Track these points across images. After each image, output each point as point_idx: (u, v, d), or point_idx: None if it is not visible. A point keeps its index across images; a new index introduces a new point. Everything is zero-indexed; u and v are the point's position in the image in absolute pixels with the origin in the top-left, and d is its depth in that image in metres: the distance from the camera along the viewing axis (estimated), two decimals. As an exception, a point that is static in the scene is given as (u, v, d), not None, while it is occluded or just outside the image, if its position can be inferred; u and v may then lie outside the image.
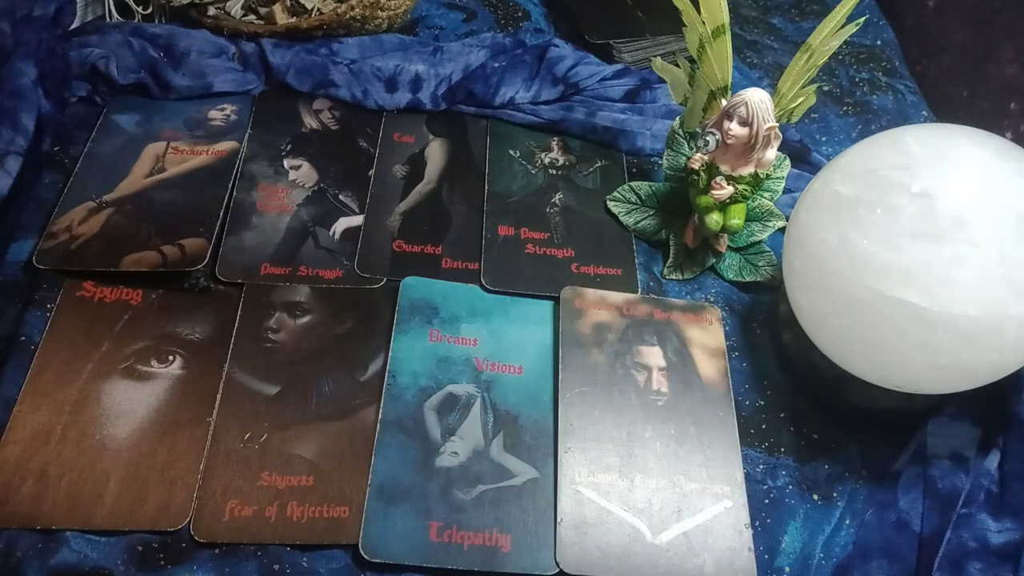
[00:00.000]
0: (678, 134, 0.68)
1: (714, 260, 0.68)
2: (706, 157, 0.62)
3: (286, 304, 0.61)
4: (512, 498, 0.53)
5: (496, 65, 0.76)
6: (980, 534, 0.53)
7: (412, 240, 0.66)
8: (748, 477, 0.56)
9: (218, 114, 0.72)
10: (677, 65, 0.64)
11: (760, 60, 0.89)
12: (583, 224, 0.69)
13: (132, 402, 0.55)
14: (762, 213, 0.67)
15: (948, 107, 0.88)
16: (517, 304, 0.64)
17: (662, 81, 0.70)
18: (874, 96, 0.86)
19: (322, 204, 0.68)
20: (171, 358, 0.57)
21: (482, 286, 0.64)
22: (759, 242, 0.68)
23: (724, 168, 0.61)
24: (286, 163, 0.70)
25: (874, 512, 0.56)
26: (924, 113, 0.85)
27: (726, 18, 0.58)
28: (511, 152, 0.74)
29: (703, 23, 0.59)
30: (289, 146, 0.71)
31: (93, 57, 0.71)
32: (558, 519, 0.53)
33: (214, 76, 0.73)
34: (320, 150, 0.71)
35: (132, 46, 0.73)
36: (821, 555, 0.54)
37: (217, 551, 0.50)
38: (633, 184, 0.70)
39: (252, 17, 0.78)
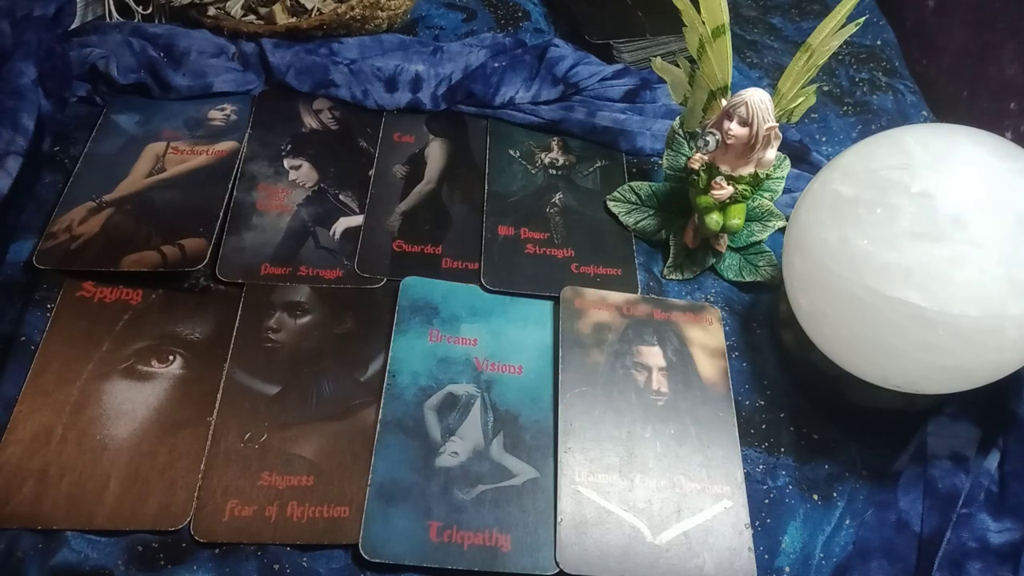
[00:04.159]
0: (678, 134, 0.68)
1: (714, 260, 0.68)
2: (706, 157, 0.62)
3: (286, 304, 0.61)
4: (512, 498, 0.53)
5: (496, 65, 0.76)
6: (980, 534, 0.53)
7: (412, 240, 0.66)
8: (748, 477, 0.56)
9: (218, 114, 0.72)
10: (677, 65, 0.64)
11: (760, 60, 0.89)
12: (583, 224, 0.69)
13: (132, 402, 0.55)
14: (762, 213, 0.67)
15: (948, 107, 0.88)
16: (517, 304, 0.64)
17: (662, 81, 0.70)
18: (874, 96, 0.86)
19: (322, 204, 0.68)
20: (171, 358, 0.57)
21: (482, 286, 0.64)
22: (759, 242, 0.68)
23: (724, 168, 0.61)
24: (286, 163, 0.70)
25: (874, 512, 0.56)
26: (924, 113, 0.85)
27: (726, 18, 0.58)
28: (511, 152, 0.74)
29: (703, 23, 0.59)
30: (289, 146, 0.71)
31: (93, 57, 0.71)
32: (558, 519, 0.53)
33: (214, 76, 0.73)
34: (320, 150, 0.71)
35: (132, 46, 0.73)
36: (821, 555, 0.54)
37: (217, 551, 0.50)
38: (633, 184, 0.70)
39: (252, 17, 0.78)
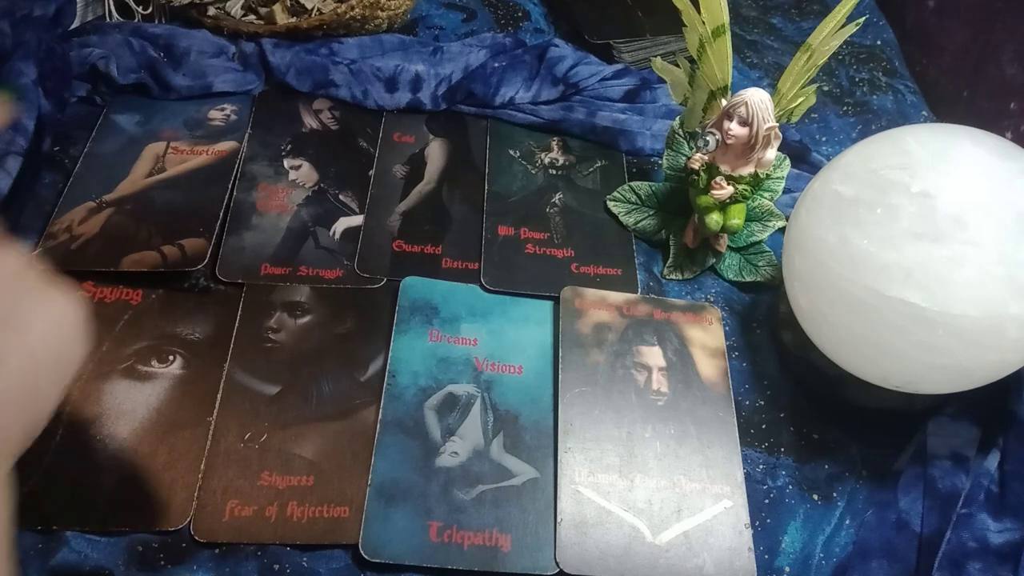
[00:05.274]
0: (678, 134, 0.68)
1: (714, 260, 0.68)
2: (706, 157, 0.62)
3: (286, 304, 0.61)
4: (512, 498, 0.53)
5: (496, 65, 0.76)
6: (980, 534, 0.53)
7: (412, 240, 0.66)
8: (748, 477, 0.56)
9: (218, 114, 0.72)
10: (677, 65, 0.64)
11: (760, 60, 0.89)
12: (583, 224, 0.69)
13: (132, 402, 0.55)
14: (762, 213, 0.67)
15: (948, 107, 0.88)
16: (517, 304, 0.64)
17: (662, 81, 0.70)
18: (874, 96, 0.86)
19: (322, 204, 0.68)
20: (171, 358, 0.57)
21: (482, 286, 0.64)
22: (759, 242, 0.68)
23: (724, 168, 0.61)
24: (286, 163, 0.70)
25: (874, 512, 0.56)
26: (924, 113, 0.85)
27: (726, 18, 0.58)
28: (511, 152, 0.74)
29: (703, 23, 0.59)
30: (289, 146, 0.71)
31: (93, 57, 0.71)
32: (558, 519, 0.53)
33: (214, 76, 0.73)
34: (320, 150, 0.71)
35: (132, 46, 0.73)
36: (821, 555, 0.54)
37: (217, 551, 0.50)
38: (633, 184, 0.70)
39: (252, 17, 0.78)
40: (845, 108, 0.84)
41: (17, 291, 0.34)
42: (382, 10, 0.77)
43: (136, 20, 0.78)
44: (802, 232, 0.56)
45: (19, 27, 0.68)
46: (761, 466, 0.58)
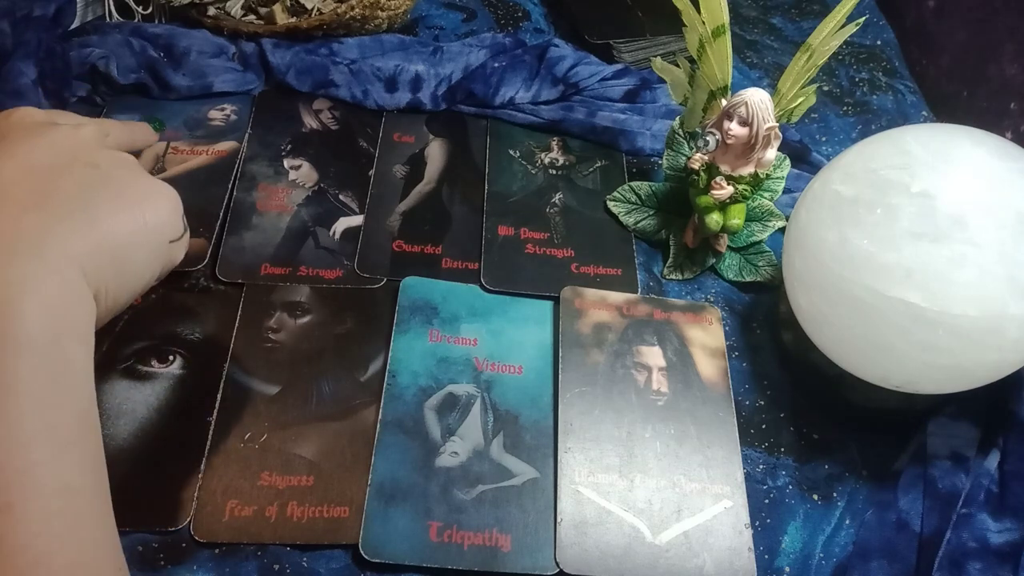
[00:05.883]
0: (678, 134, 0.68)
1: (714, 260, 0.68)
2: (706, 157, 0.62)
3: (286, 304, 0.61)
4: (512, 498, 0.53)
5: (496, 65, 0.76)
6: (980, 534, 0.53)
7: (412, 240, 0.66)
8: (748, 477, 0.56)
9: (218, 114, 0.72)
10: (677, 65, 0.64)
11: (760, 60, 0.89)
12: (583, 224, 0.69)
13: (132, 402, 0.55)
14: (762, 213, 0.67)
15: (948, 107, 0.88)
16: (517, 304, 0.64)
17: (662, 81, 0.70)
18: (874, 96, 0.86)
19: (322, 204, 0.68)
20: (171, 358, 0.57)
21: (482, 286, 0.64)
22: (759, 242, 0.68)
23: (724, 168, 0.61)
24: (286, 163, 0.70)
25: (874, 512, 0.56)
26: (924, 113, 0.85)
27: (726, 18, 0.58)
28: (511, 152, 0.74)
29: (703, 23, 0.59)
30: (289, 146, 0.71)
31: (93, 57, 0.71)
32: (558, 519, 0.53)
33: (214, 76, 0.73)
34: (320, 150, 0.71)
35: (132, 46, 0.73)
36: (821, 555, 0.54)
37: (217, 551, 0.50)
38: (633, 184, 0.70)
39: (252, 17, 0.78)
40: (845, 108, 0.84)
41: (134, 174, 0.42)
42: (382, 10, 0.77)
43: (136, 20, 0.78)
44: (802, 232, 0.56)
45: (19, 27, 0.68)
46: (761, 466, 0.58)
